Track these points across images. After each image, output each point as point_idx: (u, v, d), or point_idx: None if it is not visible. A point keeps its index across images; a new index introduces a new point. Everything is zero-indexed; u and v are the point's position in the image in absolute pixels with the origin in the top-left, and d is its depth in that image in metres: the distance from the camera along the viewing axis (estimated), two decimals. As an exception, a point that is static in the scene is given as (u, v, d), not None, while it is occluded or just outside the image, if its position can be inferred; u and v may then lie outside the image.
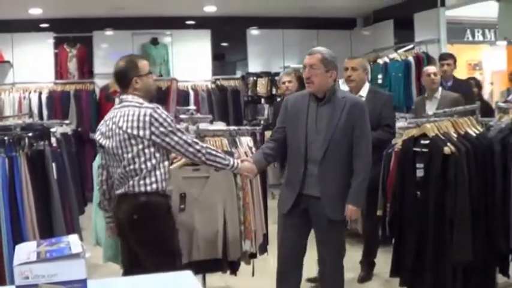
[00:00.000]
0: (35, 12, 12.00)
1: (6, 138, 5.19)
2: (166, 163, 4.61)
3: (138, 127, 4.47)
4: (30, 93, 12.35)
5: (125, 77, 4.69)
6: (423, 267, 5.13)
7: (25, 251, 2.64)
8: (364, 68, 6.59)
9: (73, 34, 12.91)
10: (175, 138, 4.52)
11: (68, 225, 5.79)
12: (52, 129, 6.85)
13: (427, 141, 5.16)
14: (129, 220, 4.51)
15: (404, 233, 5.38)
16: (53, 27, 12.88)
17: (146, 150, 4.48)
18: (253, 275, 5.80)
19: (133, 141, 4.48)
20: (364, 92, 6.45)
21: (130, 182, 4.49)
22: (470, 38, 13.89)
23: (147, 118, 4.47)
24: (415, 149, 5.27)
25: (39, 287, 2.51)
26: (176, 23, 13.29)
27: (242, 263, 5.70)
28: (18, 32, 12.60)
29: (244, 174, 5.08)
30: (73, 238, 2.77)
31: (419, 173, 5.20)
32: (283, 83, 8.61)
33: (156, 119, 4.48)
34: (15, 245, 4.99)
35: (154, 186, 4.49)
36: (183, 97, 12.78)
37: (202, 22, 13.47)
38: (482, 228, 4.99)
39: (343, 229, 5.37)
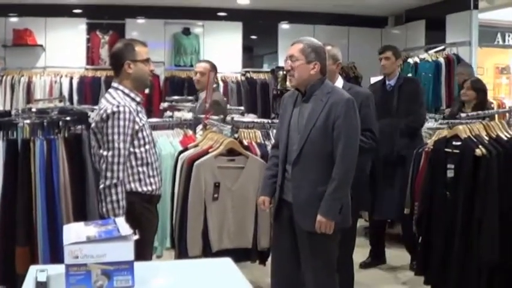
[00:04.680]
0: (70, -3, 12.13)
1: (45, 121, 5.27)
2: (140, 162, 4.34)
3: (96, 122, 4.28)
4: (61, 77, 12.47)
5: (118, 60, 4.41)
6: (449, 266, 5.16)
7: (74, 231, 2.73)
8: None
9: (106, 21, 13.02)
10: (106, 153, 4.21)
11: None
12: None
13: (458, 143, 5.17)
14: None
15: (431, 232, 5.41)
16: (86, 13, 12.95)
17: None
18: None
19: (97, 136, 4.30)
20: None
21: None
22: (501, 42, 13.84)
23: (104, 114, 4.22)
24: (446, 149, 5.29)
25: (88, 266, 2.60)
26: (208, 14, 13.30)
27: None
28: (52, 16, 12.69)
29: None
30: (120, 221, 2.86)
31: (450, 173, 5.20)
32: None
33: (108, 116, 4.20)
34: (49, 226, 5.13)
35: None
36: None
37: (234, 14, 13.48)
38: (510, 230, 5.01)
39: (329, 243, 4.58)
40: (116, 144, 4.20)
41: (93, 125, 4.33)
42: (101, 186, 4.25)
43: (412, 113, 6.75)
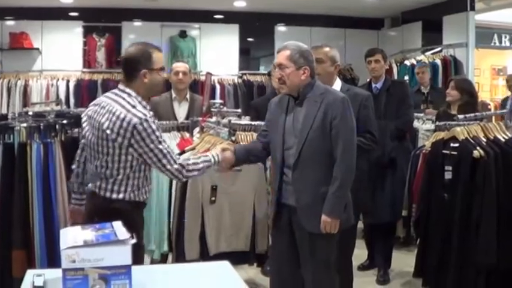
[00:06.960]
0: (66, 0, 12.10)
1: (41, 124, 5.26)
2: (142, 173, 4.17)
3: (118, 133, 3.98)
4: (58, 80, 12.49)
5: (134, 68, 4.13)
6: (447, 268, 5.16)
7: (71, 235, 2.71)
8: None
9: (102, 24, 13.03)
10: (154, 159, 4.04)
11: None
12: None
13: (456, 144, 5.16)
14: (90, 220, 4.03)
15: (429, 234, 5.40)
16: (82, 16, 12.96)
17: (123, 157, 4.05)
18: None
19: (110, 144, 4.02)
20: None
21: (99, 183, 4.11)
22: (497, 43, 13.85)
23: (130, 128, 3.96)
24: (444, 151, 5.28)
25: (85, 271, 2.58)
26: (205, 16, 13.34)
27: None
28: (48, 19, 12.71)
29: (222, 165, 4.53)
30: (117, 225, 2.84)
31: (448, 175, 5.20)
32: None
33: (139, 133, 3.96)
34: (46, 230, 5.11)
35: (121, 195, 4.10)
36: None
37: (231, 17, 13.53)
38: (508, 232, 5.00)
39: (328, 243, 4.55)
40: (160, 146, 4.05)
41: (108, 131, 4.02)
42: (184, 179, 4.33)
43: (401, 115, 6.68)
